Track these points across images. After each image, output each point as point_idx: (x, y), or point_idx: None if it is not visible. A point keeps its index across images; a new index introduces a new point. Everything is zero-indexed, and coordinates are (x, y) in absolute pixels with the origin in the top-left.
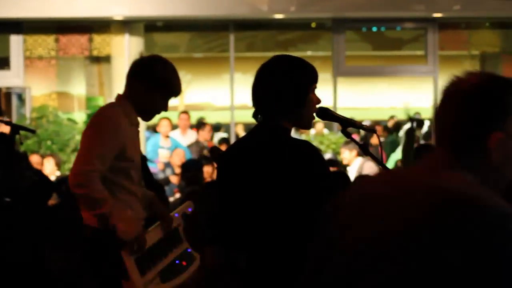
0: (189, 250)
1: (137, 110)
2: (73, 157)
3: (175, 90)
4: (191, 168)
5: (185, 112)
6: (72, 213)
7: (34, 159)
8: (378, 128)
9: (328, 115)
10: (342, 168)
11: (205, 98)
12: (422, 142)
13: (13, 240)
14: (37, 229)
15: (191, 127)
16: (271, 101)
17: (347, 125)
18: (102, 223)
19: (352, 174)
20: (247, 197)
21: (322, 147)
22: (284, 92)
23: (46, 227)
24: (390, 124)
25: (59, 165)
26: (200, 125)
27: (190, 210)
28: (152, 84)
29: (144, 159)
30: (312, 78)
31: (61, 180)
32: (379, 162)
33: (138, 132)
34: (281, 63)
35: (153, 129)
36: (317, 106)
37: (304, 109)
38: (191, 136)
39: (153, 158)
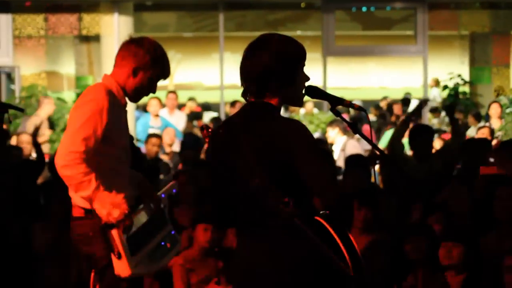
0: (173, 232)
1: (125, 91)
2: (62, 136)
3: (164, 72)
4: (190, 147)
5: (173, 91)
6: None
7: (24, 138)
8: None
9: (316, 93)
10: (329, 147)
11: (194, 77)
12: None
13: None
14: (27, 207)
15: (179, 106)
16: (260, 79)
17: (336, 103)
18: (90, 204)
19: (336, 152)
20: (238, 175)
21: (311, 127)
22: (273, 70)
23: (35, 205)
24: (382, 104)
25: None
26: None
27: (174, 191)
28: (140, 66)
29: (131, 140)
30: (300, 55)
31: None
32: (369, 141)
33: (125, 112)
34: (269, 41)
35: (143, 109)
36: (306, 84)
37: (293, 87)
38: (179, 116)
39: (143, 138)
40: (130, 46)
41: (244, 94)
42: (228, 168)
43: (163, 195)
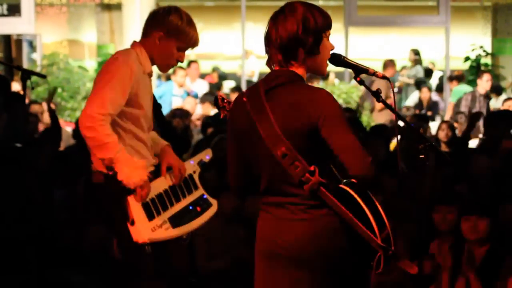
0: (205, 196)
1: (153, 60)
2: (83, 105)
3: (192, 42)
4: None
5: (195, 61)
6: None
7: (46, 106)
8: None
9: (340, 61)
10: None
11: (216, 47)
12: (433, 93)
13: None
14: (48, 175)
15: (202, 76)
16: (285, 48)
17: (360, 71)
18: (109, 168)
19: None
20: (262, 143)
21: None
22: (298, 39)
23: (57, 171)
24: (402, 74)
25: None
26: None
27: (208, 157)
28: (168, 35)
29: (159, 107)
30: (325, 24)
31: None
32: (393, 109)
33: (151, 81)
34: (295, 9)
35: (165, 79)
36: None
37: (319, 55)
38: (200, 85)
39: (164, 107)
40: (158, 15)
41: (268, 63)
42: (252, 136)
43: (191, 162)
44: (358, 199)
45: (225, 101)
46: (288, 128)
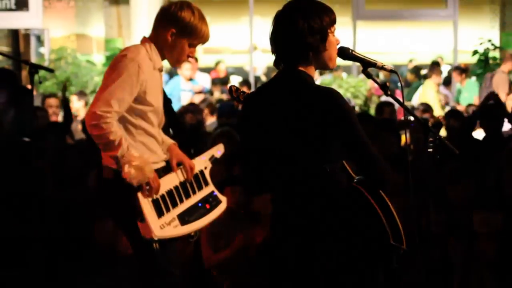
0: (214, 193)
1: (163, 55)
2: (91, 99)
3: (203, 37)
4: (226, 114)
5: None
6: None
7: (53, 102)
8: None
9: (349, 55)
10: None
11: (223, 41)
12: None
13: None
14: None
15: (208, 70)
16: (291, 47)
17: (368, 65)
18: (118, 164)
19: None
20: (274, 143)
21: (341, 91)
22: (304, 38)
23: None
24: (409, 67)
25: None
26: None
27: (219, 153)
28: (179, 31)
29: (169, 103)
30: (330, 20)
31: None
32: (401, 103)
33: (161, 76)
34: (299, 8)
35: (170, 74)
36: (338, 46)
37: (326, 52)
38: (203, 79)
39: (173, 102)
40: (170, 11)
41: (276, 63)
42: (264, 136)
43: (203, 157)
44: (370, 198)
45: (239, 91)
46: (300, 129)
